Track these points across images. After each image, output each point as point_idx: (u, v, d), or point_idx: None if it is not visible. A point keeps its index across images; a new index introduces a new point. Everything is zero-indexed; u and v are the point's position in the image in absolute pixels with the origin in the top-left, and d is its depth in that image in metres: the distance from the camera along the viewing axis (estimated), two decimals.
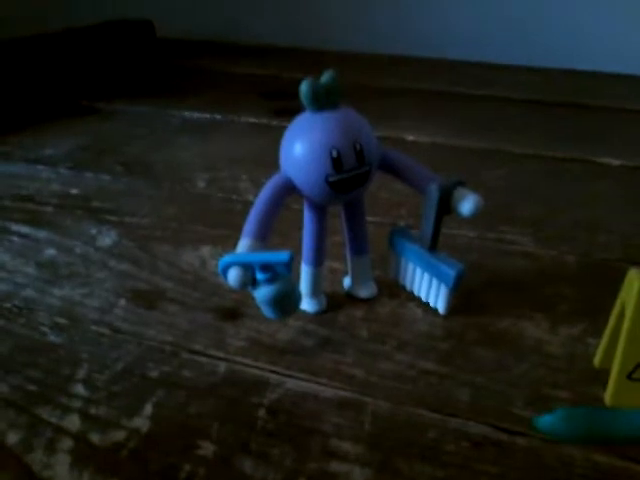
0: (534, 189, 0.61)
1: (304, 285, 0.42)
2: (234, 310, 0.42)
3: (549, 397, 0.35)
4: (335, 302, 0.43)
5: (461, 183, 0.39)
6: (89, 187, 0.62)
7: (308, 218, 0.40)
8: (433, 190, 0.38)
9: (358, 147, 0.35)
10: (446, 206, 0.38)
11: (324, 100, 0.36)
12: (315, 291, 0.42)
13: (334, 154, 0.35)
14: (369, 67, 1.06)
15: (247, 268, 0.33)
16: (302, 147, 0.35)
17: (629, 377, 0.33)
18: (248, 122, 0.81)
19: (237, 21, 1.23)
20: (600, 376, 0.36)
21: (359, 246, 0.42)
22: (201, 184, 0.62)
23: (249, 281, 0.33)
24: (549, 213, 0.56)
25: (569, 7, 0.96)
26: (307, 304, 0.42)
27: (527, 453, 0.31)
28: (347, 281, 0.44)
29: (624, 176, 0.64)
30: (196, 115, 0.83)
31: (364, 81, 0.96)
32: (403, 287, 0.44)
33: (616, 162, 0.67)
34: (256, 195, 0.36)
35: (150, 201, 0.59)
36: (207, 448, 0.32)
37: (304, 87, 0.35)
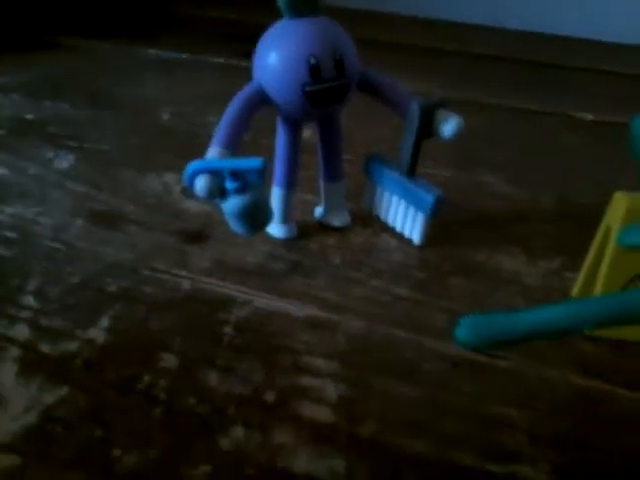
0: (510, 138, 0.60)
1: (276, 209, 0.39)
2: (199, 233, 0.40)
3: None
4: (306, 230, 0.41)
5: (443, 104, 0.37)
6: (47, 114, 0.58)
7: (281, 135, 0.37)
8: (414, 108, 0.36)
9: (338, 57, 0.33)
10: (427, 128, 0.37)
11: (302, 5, 0.33)
12: (286, 216, 0.40)
13: (312, 62, 0.32)
14: (346, 20, 1.03)
15: (216, 176, 0.31)
16: (278, 54, 0.33)
17: None
18: (216, 62, 0.77)
19: None
20: None
21: (333, 171, 0.40)
22: (165, 116, 0.59)
23: (218, 190, 0.31)
24: (525, 159, 0.55)
25: None
26: (277, 229, 0.40)
27: (508, 374, 0.30)
28: (319, 210, 0.42)
29: (597, 130, 0.63)
30: (162, 54, 0.79)
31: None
32: (377, 218, 0.43)
33: (589, 117, 0.66)
34: None
35: (112, 130, 0.55)
36: (169, 360, 0.29)
37: None
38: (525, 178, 0.51)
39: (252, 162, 0.30)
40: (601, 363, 0.31)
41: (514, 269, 0.39)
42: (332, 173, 0.40)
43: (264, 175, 0.31)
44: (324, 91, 0.33)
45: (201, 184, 0.30)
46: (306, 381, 0.29)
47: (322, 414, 0.27)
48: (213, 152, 0.32)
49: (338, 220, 0.42)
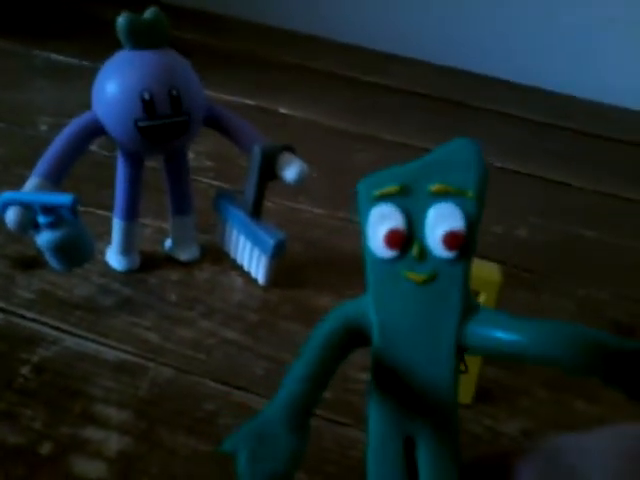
0: None
1: (115, 240, 0.38)
2: (33, 260, 0.38)
3: (353, 379, 0.33)
4: (152, 263, 0.40)
5: (288, 148, 0.37)
6: None
7: (121, 166, 0.37)
8: (256, 152, 0.36)
9: (175, 93, 0.33)
10: (270, 171, 0.36)
11: (143, 38, 0.33)
12: (126, 248, 0.39)
13: (146, 97, 0.32)
14: (265, 39, 1.02)
15: (28, 209, 0.30)
16: (113, 86, 0.32)
17: None
18: None
19: None
20: None
21: (181, 205, 0.39)
22: (43, 127, 0.57)
23: (29, 223, 0.30)
24: None
25: (465, 9, 0.96)
26: (116, 261, 0.39)
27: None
28: (168, 242, 0.41)
29: (500, 178, 0.63)
30: (62, 59, 0.77)
31: (256, 52, 0.92)
32: (229, 254, 0.42)
33: (497, 164, 0.65)
34: None
35: None
36: None
37: (121, 20, 0.32)
38: None
39: (62, 198, 0.29)
40: None
41: None
42: (180, 207, 0.39)
43: (77, 211, 0.30)
44: (159, 127, 0.33)
45: (11, 217, 0.30)
46: (90, 432, 0.28)
47: (95, 470, 0.26)
48: (31, 183, 0.31)
49: (185, 254, 0.41)
